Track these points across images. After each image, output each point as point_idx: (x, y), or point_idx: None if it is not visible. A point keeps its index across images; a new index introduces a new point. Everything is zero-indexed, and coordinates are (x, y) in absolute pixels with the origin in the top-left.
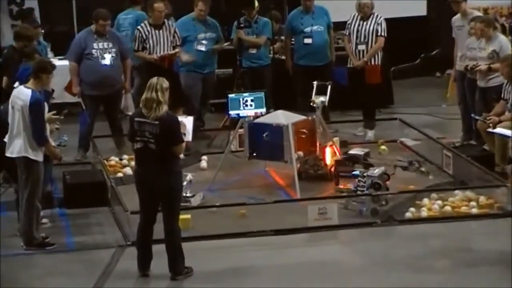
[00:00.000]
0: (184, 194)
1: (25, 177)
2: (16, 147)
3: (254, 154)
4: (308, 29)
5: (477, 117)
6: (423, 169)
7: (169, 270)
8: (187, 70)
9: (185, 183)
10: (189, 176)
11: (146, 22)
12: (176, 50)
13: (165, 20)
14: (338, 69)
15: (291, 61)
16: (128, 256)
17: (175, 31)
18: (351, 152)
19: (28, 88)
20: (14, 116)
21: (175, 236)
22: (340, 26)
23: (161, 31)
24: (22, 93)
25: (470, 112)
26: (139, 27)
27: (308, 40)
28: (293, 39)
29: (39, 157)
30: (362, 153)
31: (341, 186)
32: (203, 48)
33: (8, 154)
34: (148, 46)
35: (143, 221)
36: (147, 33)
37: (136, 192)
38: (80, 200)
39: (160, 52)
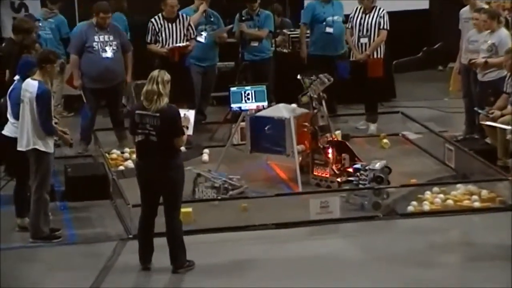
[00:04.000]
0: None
1: (35, 169)
2: (25, 139)
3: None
4: (330, 18)
5: (480, 111)
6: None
7: (171, 263)
8: (185, 64)
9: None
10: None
11: (160, 15)
12: (188, 43)
13: (179, 13)
14: (341, 62)
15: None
16: (129, 249)
17: (189, 24)
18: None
19: (35, 79)
20: (24, 109)
21: (176, 230)
22: (346, 20)
23: (174, 24)
24: (29, 85)
25: (474, 105)
26: (152, 19)
27: (329, 29)
28: (307, 33)
29: (48, 148)
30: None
31: (315, 173)
32: (202, 40)
33: (19, 148)
34: (160, 39)
35: (144, 214)
36: (159, 26)
37: (138, 185)
38: (81, 193)
39: (170, 44)
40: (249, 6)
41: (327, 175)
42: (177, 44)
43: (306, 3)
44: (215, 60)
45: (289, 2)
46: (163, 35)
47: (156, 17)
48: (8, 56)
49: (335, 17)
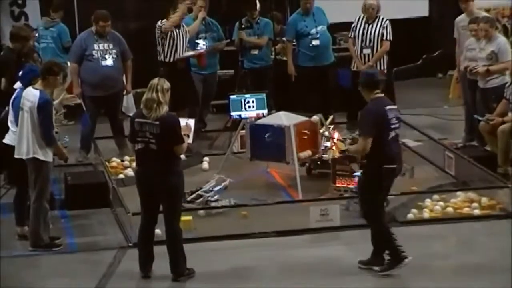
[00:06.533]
0: (210, 198)
1: (34, 177)
2: (25, 148)
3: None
4: (313, 31)
5: (480, 118)
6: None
7: (171, 271)
8: (190, 71)
9: (218, 187)
10: (227, 182)
11: (167, 20)
12: (203, 51)
13: None
14: (342, 71)
15: (293, 64)
16: (129, 257)
17: (186, 32)
18: None
19: (37, 89)
20: (23, 118)
21: (176, 237)
22: (344, 27)
23: (179, 31)
24: (30, 94)
25: (472, 113)
26: (160, 24)
27: (316, 42)
28: (294, 42)
29: (48, 157)
30: None
31: (338, 185)
32: (205, 47)
33: (17, 156)
34: (169, 44)
35: (144, 222)
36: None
37: (138, 193)
38: (81, 201)
39: (182, 51)
40: (249, 14)
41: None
42: (200, 50)
43: None
44: (215, 68)
45: (288, 10)
46: (174, 41)
47: (164, 21)
48: (4, 64)
49: (319, 28)
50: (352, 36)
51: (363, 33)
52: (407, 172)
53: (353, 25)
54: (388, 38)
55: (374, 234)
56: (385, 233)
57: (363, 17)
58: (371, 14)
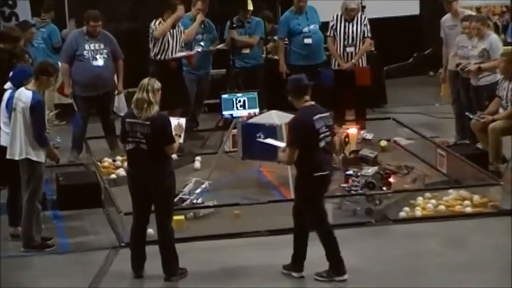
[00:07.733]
0: (194, 201)
1: (27, 178)
2: (18, 149)
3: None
4: (306, 29)
5: (471, 116)
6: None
7: (163, 271)
8: (182, 71)
9: (199, 190)
10: (206, 184)
11: (162, 20)
12: (195, 52)
13: None
14: (324, 70)
15: (285, 63)
16: (122, 257)
17: (181, 32)
18: (361, 153)
19: (29, 89)
20: (16, 118)
21: (168, 237)
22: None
23: (175, 30)
24: (23, 95)
25: (465, 111)
26: (156, 24)
27: (308, 40)
28: (286, 41)
29: (41, 157)
30: (372, 155)
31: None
32: (200, 49)
33: (9, 157)
34: (162, 44)
35: (136, 222)
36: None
37: (129, 193)
38: (73, 202)
39: (174, 51)
40: (242, 13)
41: None
42: (191, 52)
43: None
44: (209, 68)
45: (280, 9)
46: (167, 40)
47: (159, 21)
48: None
49: (311, 26)
50: (332, 35)
51: (344, 32)
52: (418, 179)
53: (332, 23)
54: (369, 35)
55: (322, 241)
56: (331, 241)
57: (341, 15)
58: (351, 16)
